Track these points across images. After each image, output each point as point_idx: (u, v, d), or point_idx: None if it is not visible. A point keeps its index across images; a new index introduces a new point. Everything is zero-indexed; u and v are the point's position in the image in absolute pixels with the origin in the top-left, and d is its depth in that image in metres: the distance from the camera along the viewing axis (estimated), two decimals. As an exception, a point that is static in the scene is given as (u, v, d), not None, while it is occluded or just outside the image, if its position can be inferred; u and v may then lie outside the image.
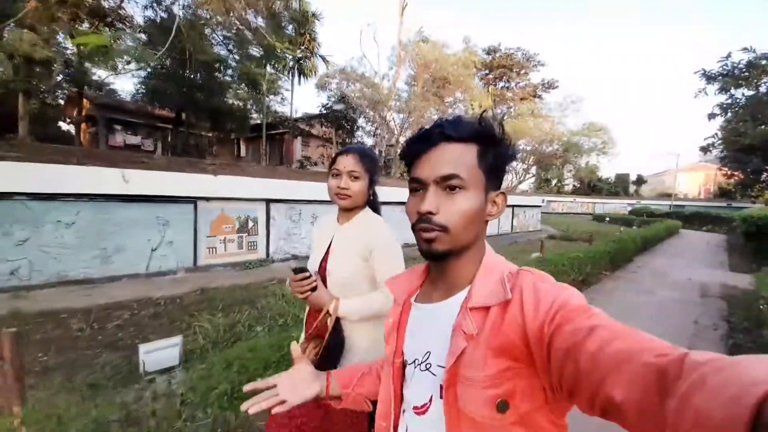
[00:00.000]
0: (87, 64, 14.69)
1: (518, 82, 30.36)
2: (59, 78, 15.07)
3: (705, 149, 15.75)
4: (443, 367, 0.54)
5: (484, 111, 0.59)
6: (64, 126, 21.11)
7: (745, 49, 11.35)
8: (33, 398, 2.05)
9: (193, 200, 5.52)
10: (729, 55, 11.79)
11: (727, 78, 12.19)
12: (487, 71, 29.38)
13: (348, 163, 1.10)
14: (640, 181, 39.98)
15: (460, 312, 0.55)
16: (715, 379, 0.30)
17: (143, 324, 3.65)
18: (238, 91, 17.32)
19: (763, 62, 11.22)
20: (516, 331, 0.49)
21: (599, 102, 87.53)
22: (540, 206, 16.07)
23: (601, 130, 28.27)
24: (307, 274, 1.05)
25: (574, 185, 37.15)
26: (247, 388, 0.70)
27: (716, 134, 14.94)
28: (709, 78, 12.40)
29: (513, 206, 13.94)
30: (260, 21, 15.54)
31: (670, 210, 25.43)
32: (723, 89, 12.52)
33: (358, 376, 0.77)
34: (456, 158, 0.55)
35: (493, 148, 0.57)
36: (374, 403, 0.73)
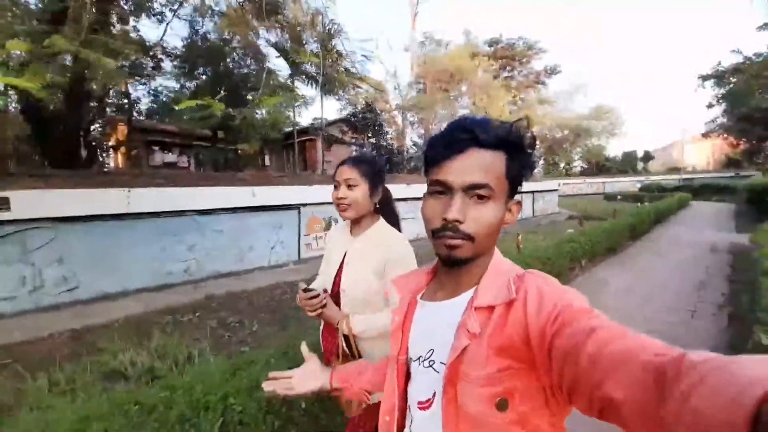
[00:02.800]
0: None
1: (521, 71, 31.37)
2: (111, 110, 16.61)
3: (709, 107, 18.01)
4: (444, 363, 0.56)
5: (519, 119, 0.58)
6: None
7: (733, 51, 13.92)
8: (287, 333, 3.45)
9: (297, 207, 6.94)
10: (719, 63, 14.43)
11: (719, 79, 14.98)
12: (491, 63, 30.46)
13: (343, 172, 1.10)
14: (647, 157, 40.65)
15: (466, 311, 0.57)
16: (714, 379, 0.30)
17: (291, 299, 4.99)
18: (267, 107, 18.72)
19: (747, 64, 13.72)
20: (518, 331, 0.50)
21: (601, 80, 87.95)
22: (557, 190, 17.30)
23: (609, 111, 29.18)
24: (316, 292, 1.07)
25: (582, 167, 38.04)
26: (270, 375, 0.86)
27: (718, 100, 16.62)
28: (705, 79, 14.87)
29: (533, 192, 15.20)
30: (287, 40, 16.82)
31: (679, 183, 26.30)
32: (717, 84, 15.10)
33: (356, 373, 0.85)
34: (487, 166, 0.55)
35: (520, 159, 0.57)
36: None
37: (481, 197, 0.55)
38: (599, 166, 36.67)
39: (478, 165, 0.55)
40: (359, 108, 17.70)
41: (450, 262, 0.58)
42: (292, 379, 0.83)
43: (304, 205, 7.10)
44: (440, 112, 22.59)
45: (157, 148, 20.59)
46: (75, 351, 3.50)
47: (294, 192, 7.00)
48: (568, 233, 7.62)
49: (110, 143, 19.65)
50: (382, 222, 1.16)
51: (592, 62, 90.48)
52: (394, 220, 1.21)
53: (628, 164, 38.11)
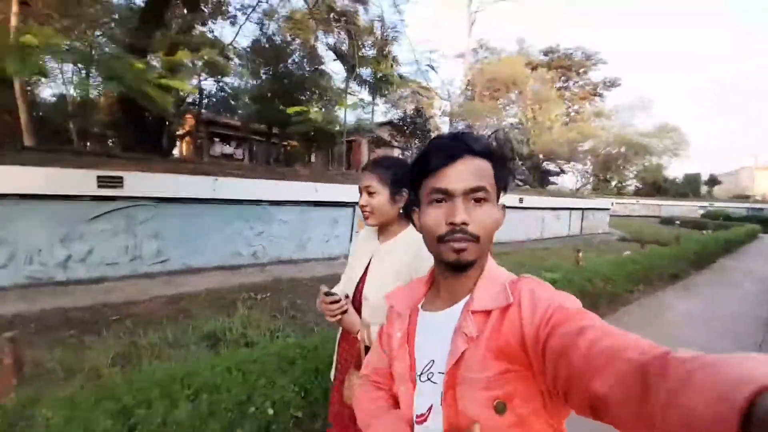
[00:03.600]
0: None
1: (577, 82, 30.19)
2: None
3: None
4: (443, 373, 0.56)
5: (497, 130, 1.12)
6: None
7: None
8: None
9: (353, 204, 7.35)
10: None
11: None
12: (546, 72, 29.63)
13: (364, 179, 1.09)
14: (713, 181, 37.34)
15: (462, 315, 0.58)
16: (702, 376, 0.30)
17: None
18: (320, 106, 19.61)
19: None
20: (514, 334, 0.51)
21: (666, 96, 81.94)
22: (609, 209, 16.52)
23: (674, 131, 27.31)
24: (337, 297, 1.04)
25: (636, 186, 35.76)
26: None
27: None
28: None
29: (583, 209, 14.66)
30: (344, 43, 17.55)
31: (747, 213, 24.02)
32: None
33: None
34: (481, 171, 0.58)
35: (505, 166, 0.62)
36: None
37: (479, 200, 0.58)
38: (656, 187, 34.28)
39: (473, 170, 0.58)
40: (409, 112, 18.02)
41: (459, 266, 0.59)
42: None
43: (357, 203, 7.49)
44: (487, 120, 22.39)
45: (217, 139, 22.22)
46: (172, 314, 4.05)
47: (350, 190, 7.42)
48: (625, 254, 7.39)
49: (179, 132, 21.42)
50: (410, 228, 1.10)
51: (657, 77, 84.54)
52: None
53: (689, 187, 35.29)
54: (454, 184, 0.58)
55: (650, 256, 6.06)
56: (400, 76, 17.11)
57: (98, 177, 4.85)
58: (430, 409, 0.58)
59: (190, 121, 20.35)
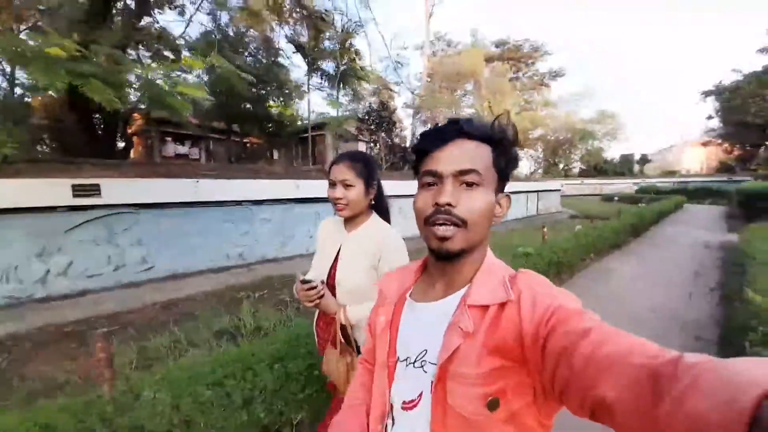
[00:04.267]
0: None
1: (526, 72, 32.09)
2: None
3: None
4: (435, 364, 0.56)
5: (500, 114, 0.61)
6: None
7: (734, 70, 15.72)
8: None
9: (333, 200, 7.59)
10: (720, 82, 17.64)
11: (719, 95, 17.06)
12: (495, 62, 31.15)
13: (339, 171, 1.13)
14: (644, 160, 41.66)
15: (458, 309, 0.57)
16: (709, 381, 0.30)
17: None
18: (282, 101, 19.20)
19: (744, 83, 15.48)
20: (512, 331, 0.50)
21: (602, 84, 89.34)
22: (560, 190, 18.10)
23: (612, 117, 30.11)
24: (314, 284, 1.10)
25: (581, 168, 38.96)
26: None
27: (717, 112, 18.10)
28: (707, 95, 16.94)
29: (538, 191, 15.95)
30: (301, 35, 17.26)
31: (674, 187, 27.22)
32: (717, 100, 17.13)
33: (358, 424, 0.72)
34: (473, 155, 0.57)
35: (505, 152, 0.60)
36: None
37: (470, 184, 0.57)
38: (597, 168, 37.61)
39: (465, 153, 0.57)
40: (373, 106, 18.28)
41: (443, 254, 0.58)
42: None
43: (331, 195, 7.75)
44: (445, 111, 23.24)
45: (169, 139, 20.99)
46: (174, 318, 4.13)
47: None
48: (578, 229, 8.36)
49: (128, 132, 19.94)
50: (375, 217, 1.22)
51: (595, 66, 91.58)
52: (385, 214, 1.26)
53: (625, 167, 39.08)
54: (443, 165, 0.57)
55: (597, 230, 6.97)
56: (362, 69, 17.30)
57: (73, 186, 4.69)
58: (420, 395, 0.58)
59: (138, 120, 19.06)
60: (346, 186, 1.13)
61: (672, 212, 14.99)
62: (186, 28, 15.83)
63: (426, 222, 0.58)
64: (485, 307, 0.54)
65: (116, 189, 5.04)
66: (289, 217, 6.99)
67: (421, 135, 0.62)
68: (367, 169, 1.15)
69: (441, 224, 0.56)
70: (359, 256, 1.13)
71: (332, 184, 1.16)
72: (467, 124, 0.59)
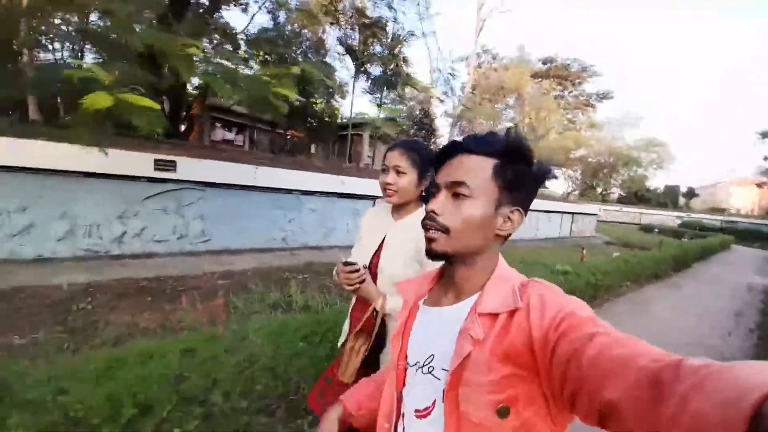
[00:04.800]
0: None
1: (572, 92, 31.35)
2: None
3: None
4: (447, 370, 0.56)
5: (510, 128, 0.62)
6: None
7: None
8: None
9: (373, 198, 7.92)
10: None
11: None
12: (540, 79, 30.70)
13: (393, 158, 1.12)
14: (691, 193, 39.50)
15: (469, 316, 0.57)
16: (712, 383, 0.31)
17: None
18: (325, 99, 19.93)
19: None
20: (522, 338, 0.50)
21: (652, 111, 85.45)
22: (596, 215, 17.60)
23: (661, 145, 28.89)
24: (357, 266, 1.08)
25: (620, 194, 37.45)
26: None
27: None
28: (765, 136, 15.84)
29: (573, 213, 15.63)
30: (354, 40, 17.86)
31: (722, 225, 25.66)
32: None
33: (365, 396, 0.79)
34: (468, 168, 0.59)
35: (512, 164, 0.59)
36: None
37: (458, 195, 0.59)
38: (638, 196, 36.02)
39: (461, 167, 0.60)
40: (417, 111, 18.58)
41: (429, 254, 0.61)
42: None
43: (379, 196, 8.08)
44: (484, 124, 23.19)
45: (219, 125, 22.28)
46: (231, 288, 4.55)
47: (372, 184, 7.99)
48: (615, 255, 8.24)
49: (190, 116, 21.35)
50: (423, 209, 1.17)
51: (646, 92, 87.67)
52: None
53: (669, 198, 37.20)
54: (441, 177, 0.62)
55: (637, 258, 6.88)
56: (408, 75, 17.65)
57: (155, 160, 5.28)
58: (433, 403, 0.59)
59: (196, 105, 20.37)
60: (399, 172, 1.10)
61: (717, 251, 14.24)
62: (248, 24, 16.82)
63: (422, 225, 0.63)
64: (495, 315, 0.55)
65: (189, 167, 5.60)
66: (333, 209, 7.39)
67: (438, 150, 0.67)
68: (422, 159, 1.12)
69: (428, 228, 0.61)
70: (404, 247, 1.11)
71: (384, 170, 1.13)
72: (473, 140, 0.61)
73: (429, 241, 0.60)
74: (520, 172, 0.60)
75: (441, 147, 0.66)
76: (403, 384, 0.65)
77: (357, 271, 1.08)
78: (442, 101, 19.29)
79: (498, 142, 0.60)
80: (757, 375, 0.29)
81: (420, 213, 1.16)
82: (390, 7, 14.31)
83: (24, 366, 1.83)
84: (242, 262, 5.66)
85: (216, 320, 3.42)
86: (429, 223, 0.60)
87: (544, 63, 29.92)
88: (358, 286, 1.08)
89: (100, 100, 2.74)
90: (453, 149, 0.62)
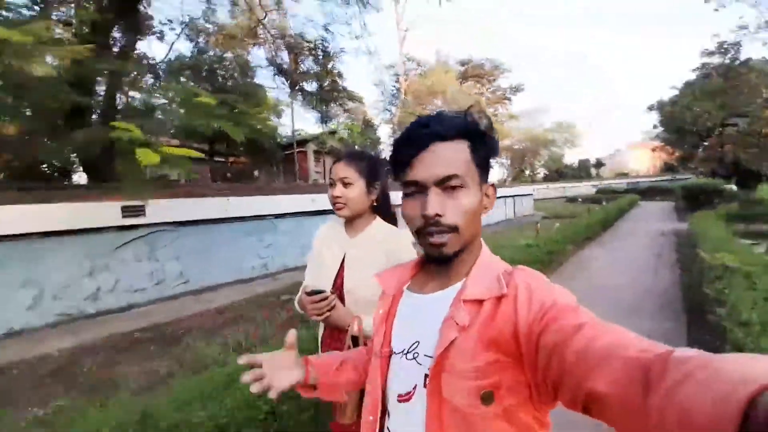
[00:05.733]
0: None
1: (489, 88, 34.55)
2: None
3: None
4: (431, 356, 0.56)
5: (471, 106, 0.59)
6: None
7: (671, 87, 19.20)
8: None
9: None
10: (661, 98, 21.91)
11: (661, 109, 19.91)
12: (461, 80, 33.40)
13: (339, 169, 1.07)
14: (599, 164, 45.57)
15: (453, 303, 0.57)
16: (701, 376, 0.30)
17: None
18: (266, 120, 19.66)
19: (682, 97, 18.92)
20: (507, 326, 0.50)
21: (558, 95, 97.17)
22: (532, 194, 19.73)
23: (570, 126, 33.14)
24: (326, 294, 1.00)
25: (545, 173, 41.91)
26: (242, 360, 0.70)
27: (660, 122, 21.65)
28: (651, 109, 20.62)
29: (514, 196, 17.39)
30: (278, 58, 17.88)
31: (627, 187, 30.11)
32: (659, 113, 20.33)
33: (336, 364, 0.77)
34: (451, 157, 0.56)
35: (483, 143, 0.59)
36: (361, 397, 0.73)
37: (453, 188, 0.56)
38: (559, 173, 40.66)
39: (442, 158, 0.56)
40: (358, 121, 19.12)
41: (442, 259, 0.59)
42: (264, 369, 0.69)
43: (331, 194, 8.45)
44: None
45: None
46: (230, 321, 4.60)
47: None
48: (557, 226, 9.54)
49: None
50: (378, 220, 1.13)
51: (551, 80, 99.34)
52: (391, 219, 1.17)
53: (583, 170, 42.51)
54: (423, 174, 0.57)
55: (573, 226, 8.15)
56: (344, 89, 18.19)
57: (122, 207, 5.09)
58: (414, 387, 0.59)
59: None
60: (346, 184, 1.06)
61: (629, 209, 16.90)
62: (167, 54, 16.10)
63: (419, 233, 0.59)
64: (480, 302, 0.55)
65: (157, 209, 5.46)
66: (305, 228, 7.58)
67: (395, 144, 0.61)
68: (370, 167, 1.09)
69: (433, 234, 0.57)
70: (368, 262, 1.04)
71: (332, 183, 1.09)
72: (438, 124, 0.57)
73: (438, 246, 0.57)
74: (489, 148, 0.60)
75: (404, 139, 0.60)
76: (387, 370, 0.64)
77: (326, 299, 1.00)
78: (376, 109, 20.15)
79: (465, 123, 0.58)
80: (748, 368, 0.28)
81: (377, 225, 1.12)
82: (326, 29, 14.72)
83: None
84: (223, 297, 5.61)
85: (237, 348, 3.53)
86: (434, 228, 0.56)
87: (462, 65, 32.59)
88: (328, 314, 1.01)
89: (149, 156, 2.83)
90: (421, 140, 0.57)
